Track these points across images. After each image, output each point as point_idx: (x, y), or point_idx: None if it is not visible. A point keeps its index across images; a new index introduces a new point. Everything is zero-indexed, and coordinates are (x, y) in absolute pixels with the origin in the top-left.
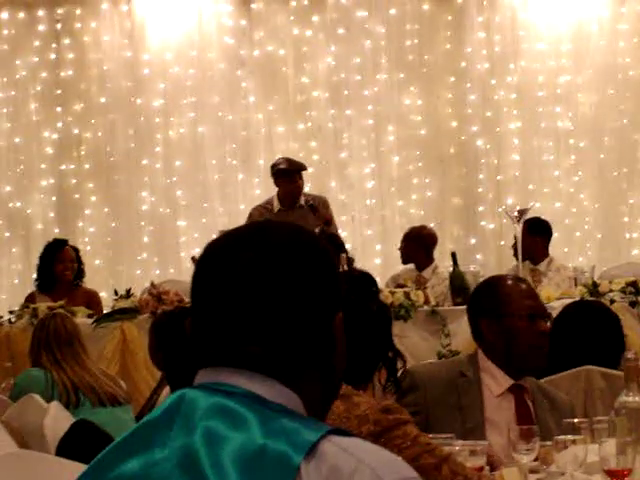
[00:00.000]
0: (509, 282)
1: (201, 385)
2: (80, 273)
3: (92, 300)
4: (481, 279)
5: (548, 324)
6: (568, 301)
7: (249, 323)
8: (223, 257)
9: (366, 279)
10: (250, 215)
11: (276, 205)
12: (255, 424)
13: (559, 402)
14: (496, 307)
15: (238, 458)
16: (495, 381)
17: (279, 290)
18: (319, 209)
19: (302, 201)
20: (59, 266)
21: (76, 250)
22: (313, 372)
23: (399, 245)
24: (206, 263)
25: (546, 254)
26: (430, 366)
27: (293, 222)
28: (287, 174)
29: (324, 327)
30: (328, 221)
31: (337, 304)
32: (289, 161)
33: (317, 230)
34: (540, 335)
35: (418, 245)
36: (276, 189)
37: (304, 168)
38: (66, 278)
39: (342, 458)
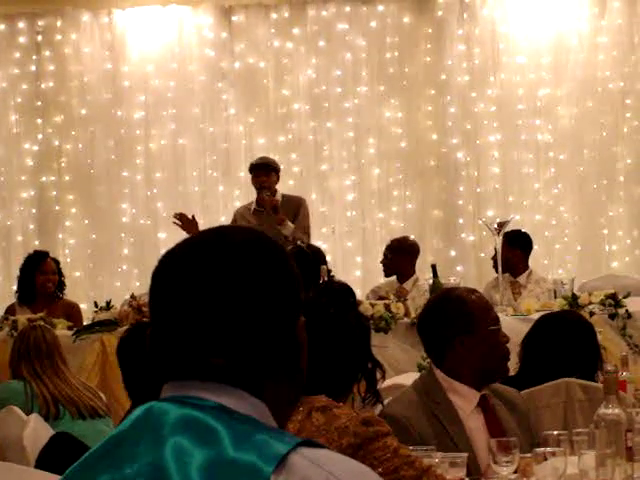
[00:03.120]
0: (469, 295)
1: (169, 398)
2: (61, 285)
3: (72, 312)
4: None
5: None
6: None
7: (211, 334)
8: (178, 267)
9: (344, 291)
10: (234, 215)
11: (253, 206)
12: (225, 437)
13: (513, 401)
14: (466, 320)
15: (208, 473)
16: (463, 399)
17: (238, 298)
18: (279, 210)
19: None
20: (40, 278)
21: (57, 262)
22: (279, 378)
23: (382, 257)
24: (162, 274)
25: (526, 266)
26: (401, 402)
27: (252, 226)
28: (259, 168)
29: (287, 333)
30: (282, 220)
31: (298, 308)
32: (262, 158)
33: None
34: (505, 345)
35: (405, 256)
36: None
37: (275, 165)
38: (47, 290)
39: (312, 470)
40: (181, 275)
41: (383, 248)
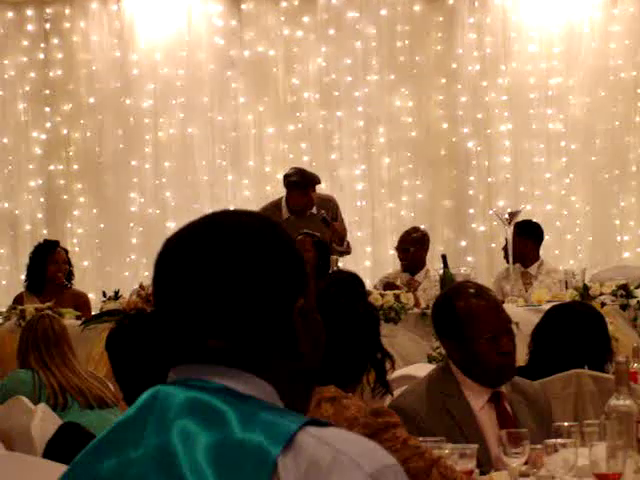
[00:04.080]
0: (467, 300)
1: (175, 381)
2: (69, 275)
3: (80, 302)
4: None
5: (514, 328)
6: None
7: (210, 316)
8: (178, 251)
9: (354, 280)
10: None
11: (285, 212)
12: (232, 419)
13: (529, 393)
14: (455, 329)
15: (215, 455)
16: (474, 394)
17: (237, 280)
18: (332, 223)
19: (313, 209)
20: (52, 267)
21: (66, 251)
22: (281, 361)
23: (394, 251)
24: (163, 259)
25: (537, 257)
26: (412, 395)
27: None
28: (299, 187)
29: (284, 315)
30: (342, 238)
31: (297, 290)
32: (302, 173)
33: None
34: (502, 356)
35: (422, 247)
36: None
37: (317, 182)
38: (58, 280)
39: (320, 449)
40: (180, 258)
41: (393, 238)
